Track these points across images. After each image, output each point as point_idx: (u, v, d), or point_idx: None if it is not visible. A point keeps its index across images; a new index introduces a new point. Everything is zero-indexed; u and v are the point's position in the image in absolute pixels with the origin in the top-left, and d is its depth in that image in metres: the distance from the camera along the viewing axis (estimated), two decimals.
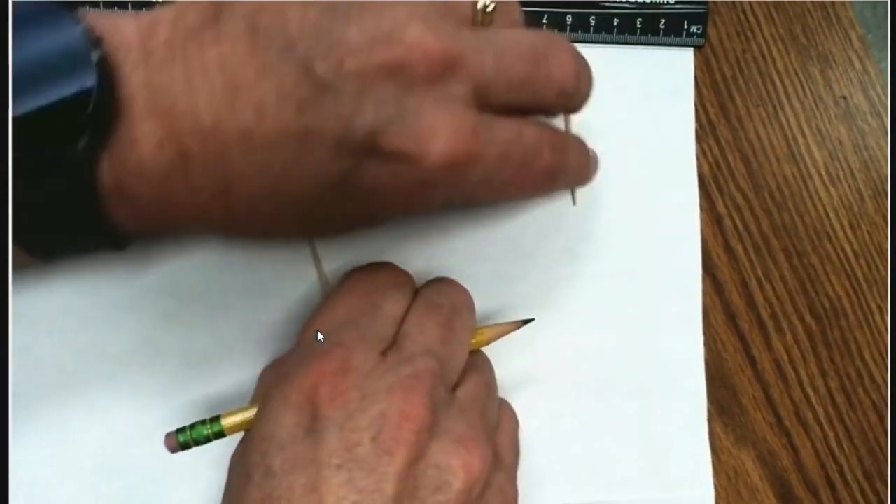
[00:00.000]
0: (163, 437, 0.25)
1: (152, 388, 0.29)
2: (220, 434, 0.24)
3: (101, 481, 0.29)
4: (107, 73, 0.21)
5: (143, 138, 0.21)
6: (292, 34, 0.21)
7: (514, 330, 0.28)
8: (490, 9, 0.23)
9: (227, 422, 0.24)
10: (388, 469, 0.21)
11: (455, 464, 0.22)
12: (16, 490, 0.28)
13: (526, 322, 0.28)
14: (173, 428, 0.29)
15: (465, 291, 0.27)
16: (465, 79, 0.22)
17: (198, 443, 0.24)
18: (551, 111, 0.26)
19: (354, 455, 0.21)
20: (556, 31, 0.33)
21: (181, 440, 0.24)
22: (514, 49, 0.23)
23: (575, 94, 0.25)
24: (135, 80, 0.21)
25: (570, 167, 0.26)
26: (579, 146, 0.27)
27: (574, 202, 0.31)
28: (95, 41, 0.21)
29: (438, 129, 0.21)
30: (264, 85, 0.21)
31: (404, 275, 0.27)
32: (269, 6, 0.21)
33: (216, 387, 0.29)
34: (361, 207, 0.23)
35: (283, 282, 0.30)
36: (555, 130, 0.26)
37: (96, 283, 0.29)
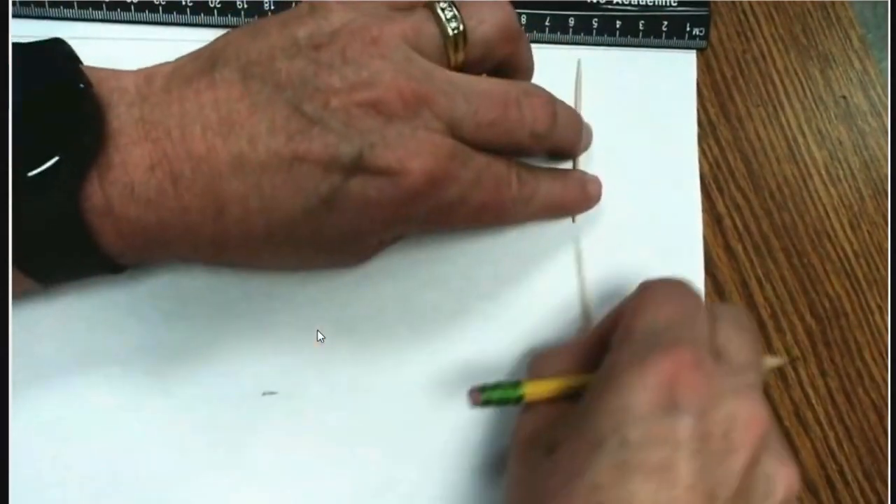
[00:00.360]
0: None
1: (154, 389, 0.29)
2: (520, 399, 0.26)
3: (103, 482, 0.28)
4: (93, 105, 0.23)
5: (133, 162, 0.23)
6: (281, 81, 0.23)
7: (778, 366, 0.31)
8: (458, 33, 0.25)
9: (528, 390, 0.26)
10: (733, 466, 0.23)
11: (781, 476, 0.24)
12: (16, 491, 0.28)
13: (793, 360, 0.32)
14: (173, 428, 0.29)
15: (749, 317, 0.28)
16: (439, 115, 0.24)
17: (498, 403, 0.25)
18: (529, 152, 0.28)
19: (708, 445, 0.23)
20: (558, 33, 0.33)
21: (484, 398, 0.25)
22: (483, 94, 0.25)
23: (548, 135, 0.27)
24: (128, 115, 0.23)
25: (540, 199, 0.29)
26: (556, 181, 0.30)
27: (573, 220, 0.32)
28: (86, 81, 0.23)
29: (419, 150, 0.24)
30: (256, 120, 0.23)
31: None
32: (260, 59, 0.24)
33: (218, 387, 0.29)
34: (347, 224, 0.25)
35: (284, 283, 0.30)
36: (525, 167, 0.28)
37: (98, 285, 0.29)
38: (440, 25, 0.25)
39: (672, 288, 0.27)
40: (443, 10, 0.25)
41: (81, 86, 0.23)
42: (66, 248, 0.23)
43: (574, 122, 0.30)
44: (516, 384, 0.26)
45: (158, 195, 0.23)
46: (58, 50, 0.24)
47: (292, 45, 0.24)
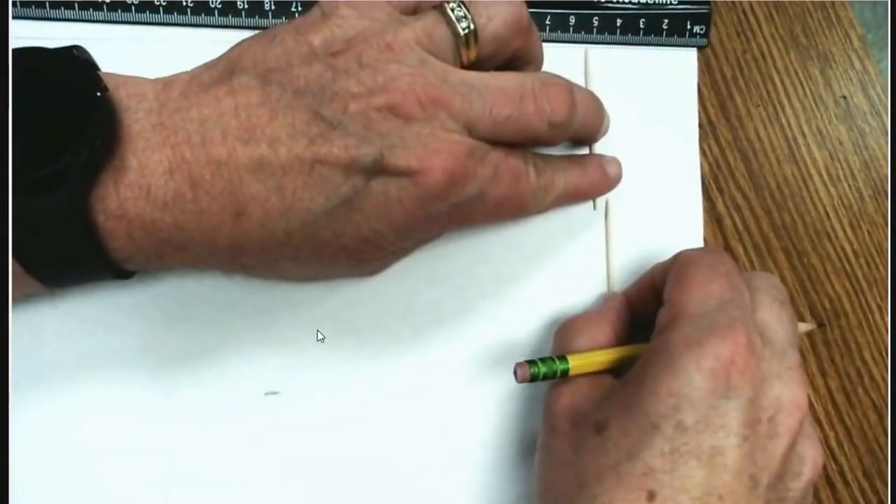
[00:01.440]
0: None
1: (156, 390, 0.29)
2: (566, 373, 0.26)
3: (104, 482, 0.29)
4: (108, 109, 0.23)
5: (151, 166, 0.23)
6: (300, 86, 0.24)
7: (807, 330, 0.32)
8: (469, 31, 0.25)
9: (575, 363, 0.26)
10: (775, 450, 0.24)
11: (811, 456, 0.25)
12: (17, 490, 0.28)
13: (821, 325, 0.33)
14: (176, 428, 0.29)
15: (778, 281, 0.29)
16: (455, 116, 0.25)
17: (545, 377, 0.26)
18: (550, 142, 0.28)
19: (756, 431, 0.24)
20: (559, 32, 0.33)
21: (533, 371, 0.26)
22: (498, 91, 0.25)
23: (567, 124, 0.27)
24: (146, 120, 0.23)
25: (559, 186, 0.29)
26: (574, 167, 0.30)
27: (595, 206, 0.32)
28: (103, 87, 0.23)
29: (438, 150, 0.24)
30: (276, 124, 0.23)
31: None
32: (278, 66, 0.24)
33: (219, 388, 0.29)
34: (368, 226, 0.25)
35: (284, 283, 0.30)
36: (540, 156, 0.28)
37: (101, 287, 0.29)
38: (451, 26, 0.25)
39: (715, 261, 0.27)
40: (452, 10, 0.25)
41: (98, 92, 0.23)
42: (74, 251, 0.23)
43: (594, 107, 0.30)
44: (563, 358, 0.26)
45: (176, 198, 0.23)
46: (77, 56, 0.24)
47: (309, 52, 0.24)
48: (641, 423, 0.23)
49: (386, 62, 0.24)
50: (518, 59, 0.28)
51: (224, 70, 0.24)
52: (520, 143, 0.27)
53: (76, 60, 0.24)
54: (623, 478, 0.23)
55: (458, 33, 0.25)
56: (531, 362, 0.26)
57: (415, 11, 0.27)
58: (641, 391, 0.24)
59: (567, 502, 0.24)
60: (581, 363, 0.26)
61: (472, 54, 0.26)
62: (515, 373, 0.26)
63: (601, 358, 0.27)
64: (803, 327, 0.30)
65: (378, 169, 0.24)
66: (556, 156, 0.29)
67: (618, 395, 0.25)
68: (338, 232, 0.25)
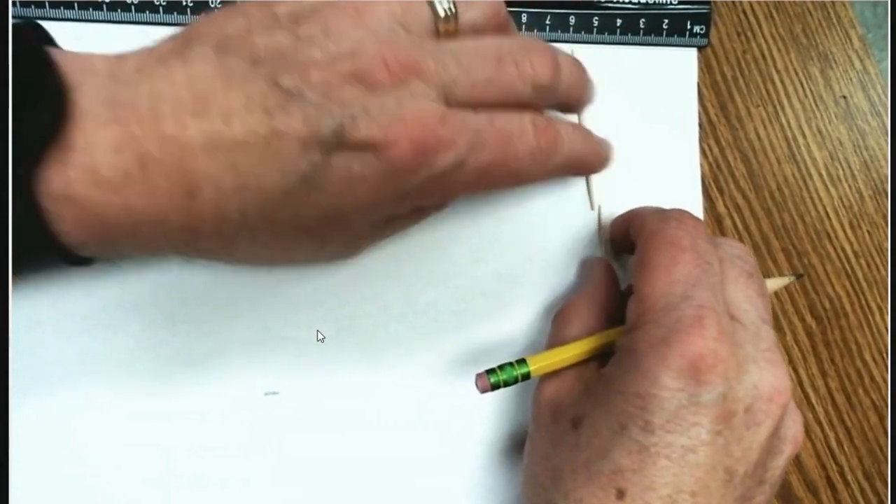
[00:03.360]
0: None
1: (156, 390, 0.29)
2: (527, 376, 0.25)
3: (104, 482, 0.28)
4: (55, 85, 0.21)
5: (98, 144, 0.21)
6: (259, 55, 0.22)
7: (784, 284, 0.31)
8: (450, 14, 0.24)
9: (534, 366, 0.26)
10: (754, 439, 0.23)
11: (792, 434, 0.25)
12: (17, 490, 0.28)
13: (799, 276, 0.33)
14: (176, 428, 0.29)
15: (746, 248, 0.28)
16: (428, 81, 0.23)
17: (506, 384, 0.25)
18: (535, 105, 0.26)
19: (731, 424, 0.23)
20: (559, 31, 0.33)
21: (492, 381, 0.25)
22: (476, 52, 0.24)
23: (554, 86, 0.25)
24: (95, 96, 0.21)
25: (564, 148, 0.26)
26: (577, 131, 0.27)
27: (592, 206, 0.32)
28: (49, 61, 0.21)
29: (404, 119, 0.22)
30: (231, 95, 0.22)
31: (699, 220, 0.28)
32: (238, 34, 0.22)
33: (219, 388, 0.29)
34: (330, 204, 0.23)
35: (285, 283, 0.30)
36: (540, 115, 0.26)
37: (100, 286, 0.29)
38: (431, 5, 0.24)
39: (676, 233, 0.26)
40: None
41: (45, 68, 0.21)
42: (22, 236, 0.22)
43: (579, 72, 0.28)
44: (521, 362, 0.26)
45: (125, 178, 0.21)
46: (28, 31, 0.22)
47: (272, 20, 0.23)
48: (610, 423, 0.23)
49: (353, 28, 0.22)
50: None
51: (182, 41, 0.23)
52: (506, 107, 0.25)
53: (25, 36, 0.22)
54: (594, 475, 0.23)
55: (439, 14, 0.24)
56: (490, 371, 0.25)
57: None
58: (611, 390, 0.24)
59: (543, 494, 0.25)
60: (542, 364, 0.26)
61: (451, 36, 0.25)
62: (476, 384, 0.25)
63: (560, 357, 0.26)
64: (779, 282, 0.30)
65: (339, 142, 0.22)
66: (562, 120, 0.27)
67: (594, 392, 0.25)
68: (297, 212, 0.23)
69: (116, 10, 0.31)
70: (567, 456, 0.24)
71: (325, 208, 0.23)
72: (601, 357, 0.26)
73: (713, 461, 0.23)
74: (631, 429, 0.23)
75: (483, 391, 0.25)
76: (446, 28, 0.24)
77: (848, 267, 0.34)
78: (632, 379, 0.23)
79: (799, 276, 0.33)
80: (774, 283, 0.30)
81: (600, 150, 0.29)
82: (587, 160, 0.28)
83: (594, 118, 0.31)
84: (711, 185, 0.34)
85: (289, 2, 0.23)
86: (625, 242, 0.29)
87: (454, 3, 0.24)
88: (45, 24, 0.30)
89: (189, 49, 0.22)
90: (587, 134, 0.29)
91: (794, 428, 0.25)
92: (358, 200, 0.23)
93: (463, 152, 0.23)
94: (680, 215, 0.27)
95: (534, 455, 0.26)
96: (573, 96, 0.28)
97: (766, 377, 0.24)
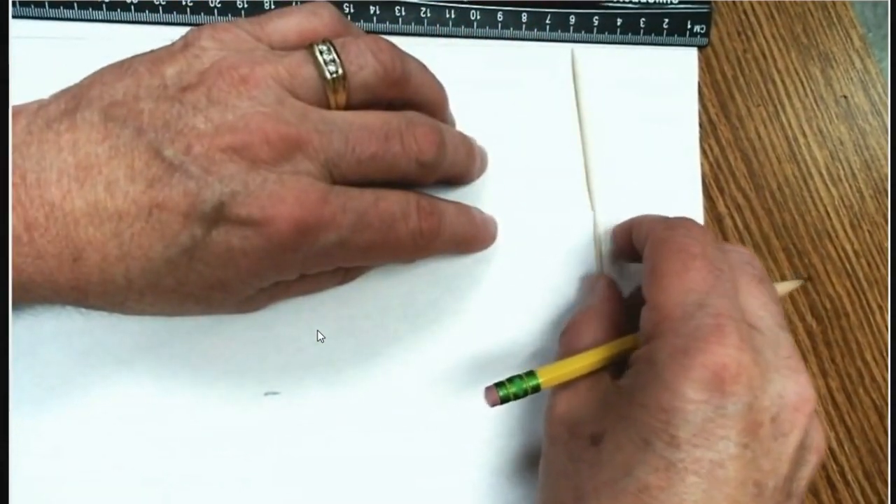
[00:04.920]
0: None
1: (155, 390, 0.29)
2: (537, 388, 0.25)
3: (104, 482, 0.28)
4: None
5: None
6: (143, 123, 0.22)
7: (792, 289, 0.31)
8: (337, 76, 0.24)
9: (544, 378, 0.25)
10: (783, 450, 0.23)
11: (819, 443, 0.24)
12: (17, 490, 0.28)
13: (805, 280, 0.33)
14: (175, 429, 0.29)
15: (753, 255, 0.27)
16: (312, 157, 0.23)
17: (517, 396, 0.24)
18: (419, 182, 0.26)
19: (758, 436, 0.22)
20: (559, 31, 0.33)
21: (502, 394, 0.24)
22: (361, 128, 0.24)
23: (436, 164, 0.26)
24: None
25: (447, 231, 0.27)
26: (461, 213, 0.28)
27: (591, 207, 0.32)
28: None
29: (284, 197, 0.22)
30: (114, 164, 0.22)
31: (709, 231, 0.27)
32: (125, 100, 0.22)
33: (219, 387, 0.29)
34: (212, 275, 0.23)
35: None
36: (426, 197, 0.26)
37: None
38: (318, 68, 0.24)
39: (685, 241, 0.25)
40: (321, 52, 0.24)
41: None
42: None
43: (465, 147, 0.28)
44: (530, 374, 0.25)
45: (14, 241, 0.22)
46: None
47: (159, 85, 0.23)
48: (634, 438, 0.23)
49: (238, 97, 0.22)
50: (408, 104, 0.26)
51: (71, 100, 0.23)
52: (389, 184, 0.25)
53: None
54: (619, 494, 0.22)
55: (326, 76, 0.24)
56: (499, 384, 0.24)
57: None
58: (632, 403, 0.23)
59: None
60: (552, 376, 0.25)
61: (342, 99, 0.25)
62: (485, 398, 0.25)
63: (571, 368, 0.25)
64: (788, 286, 0.29)
65: (219, 217, 0.22)
66: (446, 201, 0.28)
67: (613, 405, 0.24)
68: (181, 280, 0.23)
69: (116, 10, 0.31)
70: (588, 474, 0.23)
71: (207, 278, 0.23)
72: (613, 369, 0.26)
73: (743, 476, 0.22)
74: (656, 444, 0.22)
75: (493, 405, 0.25)
76: (335, 91, 0.24)
77: (848, 266, 0.34)
78: (653, 391, 0.23)
79: (805, 280, 0.33)
80: (783, 288, 0.29)
81: (483, 232, 0.30)
82: (470, 242, 0.30)
83: (596, 118, 0.32)
84: (712, 185, 0.34)
85: (178, 62, 0.23)
86: (627, 250, 0.29)
87: (342, 66, 0.24)
88: (46, 24, 0.31)
89: (78, 112, 0.22)
90: (472, 215, 0.29)
91: (817, 437, 0.24)
92: (239, 272, 0.23)
93: (345, 233, 0.24)
94: (686, 223, 0.26)
95: (551, 473, 0.25)
96: (457, 171, 0.29)
97: (790, 385, 0.23)
